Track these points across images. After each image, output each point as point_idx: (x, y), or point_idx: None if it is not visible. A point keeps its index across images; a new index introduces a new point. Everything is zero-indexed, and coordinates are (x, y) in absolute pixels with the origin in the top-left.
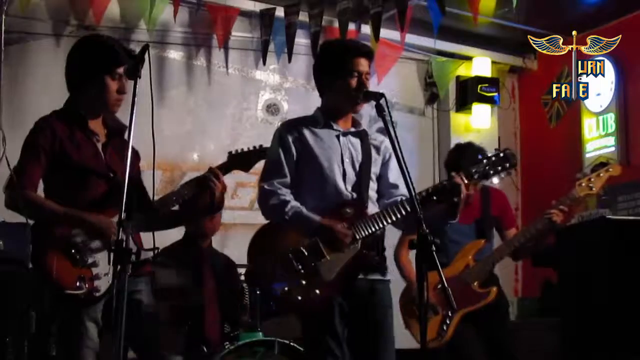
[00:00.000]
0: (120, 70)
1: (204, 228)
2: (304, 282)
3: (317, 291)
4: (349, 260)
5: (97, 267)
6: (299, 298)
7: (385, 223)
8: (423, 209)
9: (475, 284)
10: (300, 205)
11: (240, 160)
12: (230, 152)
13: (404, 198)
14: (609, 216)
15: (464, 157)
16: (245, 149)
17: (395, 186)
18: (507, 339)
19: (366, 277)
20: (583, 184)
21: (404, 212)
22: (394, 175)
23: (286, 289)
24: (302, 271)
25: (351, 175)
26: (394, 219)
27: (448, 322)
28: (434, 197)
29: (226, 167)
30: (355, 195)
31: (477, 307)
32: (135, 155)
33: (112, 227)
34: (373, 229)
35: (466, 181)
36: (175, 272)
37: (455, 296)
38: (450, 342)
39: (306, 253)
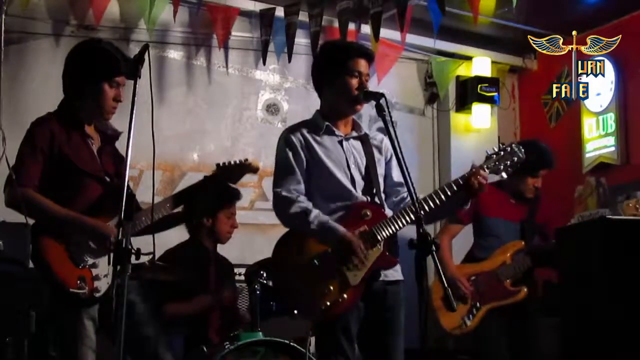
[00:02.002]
0: (119, 78)
1: (225, 237)
2: (331, 287)
3: (345, 296)
4: (373, 262)
5: (96, 268)
6: (328, 304)
7: (405, 223)
8: (449, 201)
9: (507, 281)
10: (321, 213)
11: (228, 173)
12: (218, 164)
13: (419, 197)
14: (609, 216)
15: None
16: (233, 162)
17: (401, 184)
18: (532, 343)
19: (380, 278)
20: (631, 205)
21: (423, 211)
22: (397, 173)
23: (314, 294)
24: (329, 277)
25: (359, 180)
26: (413, 218)
27: (474, 311)
28: (459, 190)
29: (215, 179)
30: (369, 198)
31: (503, 303)
32: (121, 159)
33: (110, 232)
34: (394, 230)
35: (487, 176)
36: (180, 272)
37: (486, 290)
38: (476, 335)
39: (332, 258)
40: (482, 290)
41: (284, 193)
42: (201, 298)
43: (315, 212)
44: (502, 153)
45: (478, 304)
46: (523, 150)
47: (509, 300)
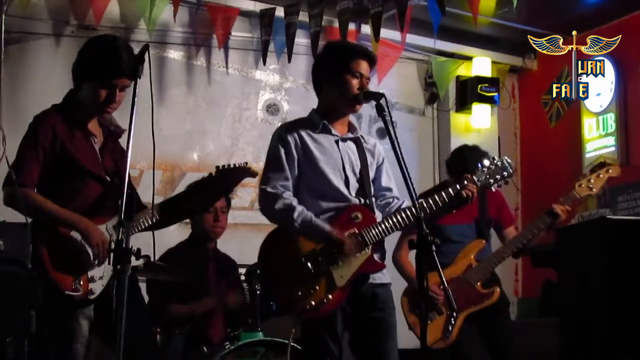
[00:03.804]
0: (117, 81)
1: (210, 232)
2: (317, 287)
3: (330, 296)
4: (360, 265)
5: (92, 269)
6: (313, 303)
7: (394, 227)
8: (438, 211)
9: (478, 284)
10: (306, 210)
11: (227, 176)
12: (218, 167)
13: (404, 203)
14: (609, 216)
15: (469, 160)
16: (232, 165)
17: (389, 189)
18: (508, 338)
19: (368, 281)
20: (583, 185)
21: (412, 218)
22: (386, 178)
23: (299, 293)
24: (316, 277)
25: (353, 182)
26: (402, 223)
27: (453, 322)
28: (451, 203)
29: (214, 180)
30: (362, 200)
31: (481, 307)
32: (123, 157)
33: (101, 239)
34: (383, 234)
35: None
36: (180, 271)
37: (459, 297)
38: (457, 344)
39: (319, 258)
40: (455, 298)
41: (269, 189)
42: (205, 301)
43: (299, 209)
44: (493, 167)
45: (454, 313)
46: (513, 164)
47: (486, 304)
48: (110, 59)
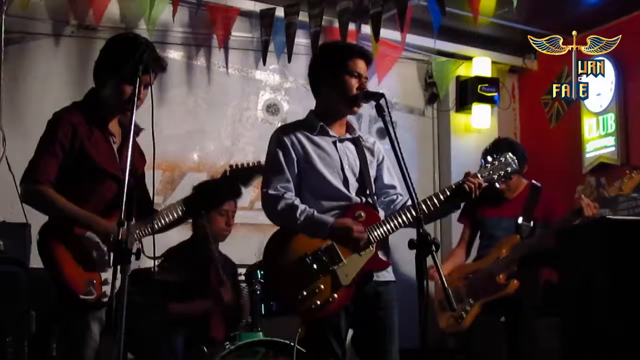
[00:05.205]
0: (140, 78)
1: (220, 235)
2: (322, 286)
3: (335, 295)
4: (365, 263)
5: (105, 272)
6: (318, 303)
7: (398, 225)
8: (443, 207)
9: (500, 276)
10: (309, 208)
11: (240, 175)
12: (231, 166)
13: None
14: (609, 216)
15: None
16: (245, 165)
17: (392, 186)
18: (525, 335)
19: (372, 279)
20: (615, 185)
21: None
22: (387, 176)
23: (304, 293)
24: (320, 276)
25: (352, 181)
26: (407, 222)
27: (468, 308)
28: (456, 197)
29: (227, 179)
30: (363, 199)
31: (494, 297)
32: (141, 156)
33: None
34: (388, 233)
35: (482, 182)
36: (182, 271)
37: (479, 286)
38: (471, 333)
39: (324, 258)
40: (475, 287)
41: (270, 191)
42: (202, 302)
43: (302, 207)
44: (496, 163)
45: (471, 301)
46: (517, 161)
47: (500, 294)
48: (135, 56)
